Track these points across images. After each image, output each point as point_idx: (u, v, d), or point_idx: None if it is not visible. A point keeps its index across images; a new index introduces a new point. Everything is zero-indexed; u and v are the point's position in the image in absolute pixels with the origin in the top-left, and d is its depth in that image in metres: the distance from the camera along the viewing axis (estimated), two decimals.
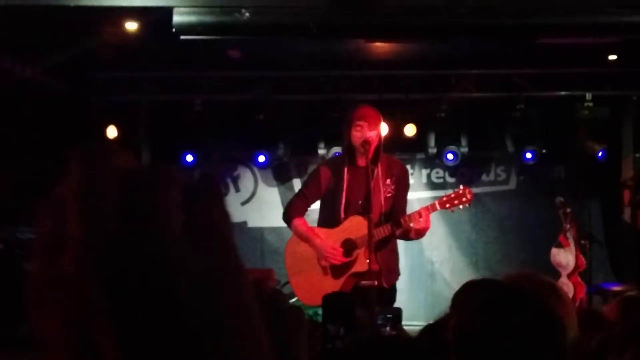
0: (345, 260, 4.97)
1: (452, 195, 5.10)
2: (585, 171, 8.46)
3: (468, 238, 8.64)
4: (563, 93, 7.87)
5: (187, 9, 5.11)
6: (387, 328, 3.55)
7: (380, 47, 6.96)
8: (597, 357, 1.91)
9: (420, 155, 8.54)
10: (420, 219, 4.85)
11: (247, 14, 5.09)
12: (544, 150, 8.25)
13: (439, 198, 5.19)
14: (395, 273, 5.15)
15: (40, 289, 0.52)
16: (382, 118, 5.06)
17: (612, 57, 7.30)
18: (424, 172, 8.65)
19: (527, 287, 1.66)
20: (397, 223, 4.89)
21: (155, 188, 0.52)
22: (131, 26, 5.85)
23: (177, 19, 5.11)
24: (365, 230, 4.78)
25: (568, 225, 6.80)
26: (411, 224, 4.85)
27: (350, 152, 5.02)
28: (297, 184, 8.18)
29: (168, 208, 0.51)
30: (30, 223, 6.31)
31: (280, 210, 5.53)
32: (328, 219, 5.10)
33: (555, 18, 5.53)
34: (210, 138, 8.28)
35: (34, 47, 6.42)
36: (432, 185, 8.62)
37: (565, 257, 6.75)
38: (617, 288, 6.83)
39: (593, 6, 5.35)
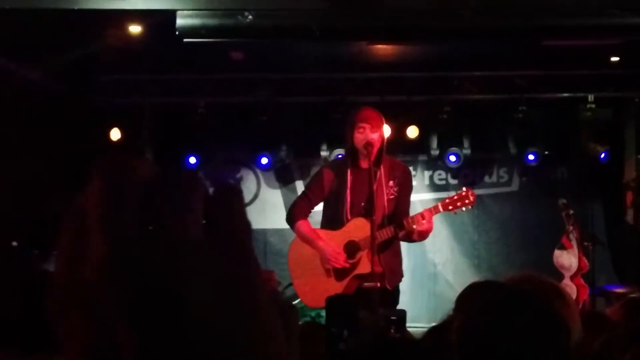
0: (348, 264, 4.98)
1: (455, 197, 5.11)
2: (587, 173, 8.45)
3: (470, 240, 8.64)
4: (565, 95, 7.88)
5: (190, 12, 5.12)
6: (392, 330, 3.56)
7: (382, 49, 6.97)
8: (600, 359, 1.91)
9: (422, 157, 8.54)
10: (423, 221, 4.85)
11: (250, 17, 5.10)
12: (546, 152, 8.25)
13: (442, 200, 5.20)
14: (399, 275, 5.15)
15: (63, 295, 0.53)
16: (384, 120, 5.06)
17: (615, 58, 7.30)
18: (427, 173, 8.66)
19: (531, 289, 1.66)
20: (400, 225, 4.90)
21: (176, 195, 0.53)
22: (135, 29, 5.86)
23: (180, 22, 5.13)
24: (368, 232, 4.79)
25: (571, 227, 6.81)
26: (414, 226, 4.85)
27: (353, 154, 5.03)
28: (299, 186, 8.18)
29: (189, 215, 0.52)
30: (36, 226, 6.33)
31: (283, 212, 5.54)
32: (331, 221, 5.11)
33: (558, 20, 5.54)
34: (213, 140, 8.29)
35: (38, 50, 6.44)
36: (434, 187, 8.62)
37: (568, 258, 6.76)
38: (620, 290, 6.82)
39: (595, 8, 5.36)
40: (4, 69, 6.44)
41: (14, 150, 6.34)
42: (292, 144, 8.35)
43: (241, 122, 8.17)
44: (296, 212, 5.17)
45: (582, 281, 6.82)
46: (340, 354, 2.32)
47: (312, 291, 5.03)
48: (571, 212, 6.90)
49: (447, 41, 6.37)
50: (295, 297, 5.34)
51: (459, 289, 7.65)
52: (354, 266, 5.00)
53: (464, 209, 5.12)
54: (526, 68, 7.73)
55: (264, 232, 8.44)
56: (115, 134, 7.94)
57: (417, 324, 6.41)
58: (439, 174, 8.65)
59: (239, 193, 0.56)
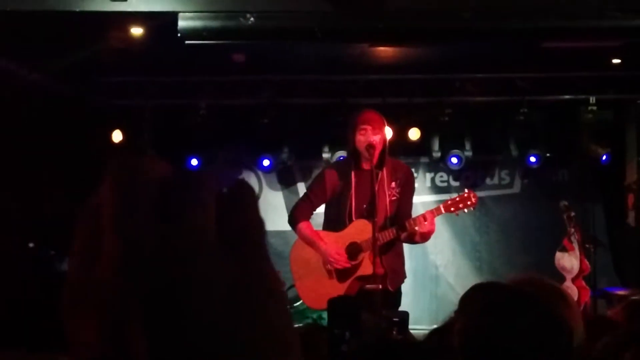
0: (350, 265, 4.98)
1: (457, 199, 5.12)
2: (589, 175, 8.45)
3: (472, 242, 8.64)
4: (567, 97, 7.88)
5: (192, 14, 5.12)
6: (394, 332, 3.56)
7: (384, 51, 6.97)
8: None
9: (424, 159, 8.55)
10: (425, 223, 4.86)
11: (252, 19, 5.10)
12: (547, 154, 8.25)
13: (444, 201, 5.21)
14: (401, 276, 5.16)
15: (76, 294, 0.53)
16: (386, 122, 5.07)
17: (616, 60, 7.30)
18: (428, 176, 8.66)
19: (533, 291, 1.67)
20: (402, 226, 4.90)
21: (188, 194, 0.53)
22: (136, 31, 5.87)
23: (182, 24, 5.13)
24: (370, 234, 4.79)
25: (572, 229, 6.81)
26: (416, 228, 4.86)
27: (355, 157, 5.04)
28: (301, 188, 8.18)
29: (201, 214, 0.52)
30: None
31: (284, 214, 5.55)
32: (334, 223, 5.12)
33: (559, 22, 5.54)
34: (214, 142, 8.30)
35: (40, 52, 6.45)
36: (436, 189, 8.62)
37: (569, 261, 6.75)
38: (621, 292, 6.82)
39: (597, 10, 5.36)
40: (5, 70, 6.45)
41: (16, 151, 6.35)
42: (294, 146, 8.35)
43: (243, 124, 8.18)
44: (298, 214, 5.18)
45: (583, 283, 6.82)
46: (343, 355, 2.32)
47: (314, 292, 5.03)
48: (572, 214, 6.90)
49: (449, 43, 6.37)
50: (297, 298, 5.35)
51: (460, 291, 7.63)
52: (355, 268, 5.01)
53: (465, 210, 5.13)
54: (527, 70, 7.73)
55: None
56: (117, 136, 7.95)
57: (418, 326, 6.40)
58: (441, 176, 8.65)
59: (251, 191, 0.57)
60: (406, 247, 5.28)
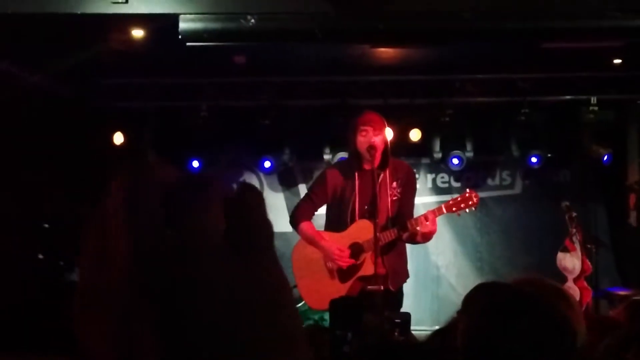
0: (352, 262, 4.99)
1: (459, 199, 5.12)
2: (590, 175, 8.45)
3: (473, 242, 8.63)
4: (568, 97, 7.87)
5: (193, 16, 5.13)
6: (396, 333, 3.56)
7: (385, 52, 6.97)
8: None
9: (425, 160, 8.54)
10: (427, 223, 4.86)
11: (253, 20, 5.11)
12: (549, 155, 8.24)
13: (446, 201, 5.21)
14: (403, 275, 5.16)
15: (87, 298, 0.53)
16: (386, 123, 5.08)
17: (617, 60, 7.30)
18: (429, 176, 8.65)
19: (536, 291, 1.67)
20: (404, 227, 4.91)
21: (196, 200, 0.53)
22: (137, 33, 5.87)
23: (183, 25, 5.13)
24: (371, 234, 4.80)
25: (574, 230, 6.80)
26: (418, 228, 4.86)
27: (356, 158, 5.04)
28: (302, 189, 8.18)
29: (210, 219, 0.53)
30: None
31: (285, 216, 5.55)
32: (335, 223, 5.12)
33: (560, 22, 5.53)
34: (215, 144, 8.30)
35: (41, 54, 6.45)
36: (437, 190, 8.61)
37: (571, 261, 6.75)
38: (623, 292, 6.82)
39: (598, 10, 5.35)
40: (7, 72, 6.45)
41: (17, 154, 6.35)
42: (295, 147, 8.35)
43: (244, 125, 8.18)
44: (300, 214, 5.19)
45: (585, 284, 6.81)
46: (345, 357, 2.31)
47: (315, 293, 5.04)
48: (574, 214, 6.89)
49: (449, 44, 6.37)
50: (300, 299, 5.35)
51: (462, 291, 7.65)
52: (357, 268, 5.01)
53: (467, 210, 5.13)
54: (529, 70, 7.72)
55: None
56: (118, 138, 7.95)
57: (420, 327, 6.40)
58: (442, 177, 8.65)
59: (258, 194, 0.57)
60: (408, 248, 5.28)
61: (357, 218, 5.03)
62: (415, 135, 8.04)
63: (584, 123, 7.92)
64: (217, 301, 0.52)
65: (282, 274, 0.57)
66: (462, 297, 1.82)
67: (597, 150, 8.13)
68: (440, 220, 5.09)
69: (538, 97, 7.85)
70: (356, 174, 5.03)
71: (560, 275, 6.68)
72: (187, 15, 5.14)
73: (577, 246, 6.79)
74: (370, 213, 4.90)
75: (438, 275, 8.55)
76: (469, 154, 8.20)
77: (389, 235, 4.93)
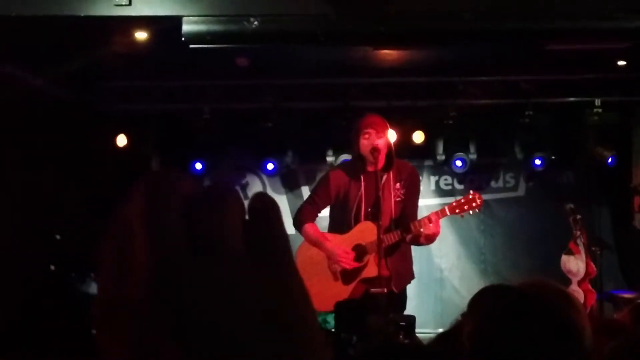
0: (357, 264, 4.99)
1: (462, 201, 5.11)
2: (594, 177, 8.44)
3: (477, 245, 8.62)
4: (572, 99, 7.86)
5: (196, 18, 5.12)
6: (400, 336, 3.55)
7: (387, 54, 6.96)
8: None
9: (428, 162, 8.53)
10: (430, 225, 4.86)
11: (256, 23, 5.10)
12: (553, 157, 8.23)
13: (449, 203, 5.20)
14: (406, 277, 5.15)
15: (107, 310, 0.53)
16: (389, 125, 5.08)
17: (621, 62, 7.28)
18: (433, 179, 8.64)
19: (542, 294, 1.65)
20: (407, 228, 4.90)
21: (217, 211, 0.53)
22: (140, 35, 5.87)
23: (186, 28, 5.13)
24: (375, 236, 4.79)
25: (578, 232, 6.78)
26: (421, 229, 4.86)
27: (360, 160, 5.04)
28: (305, 192, 8.18)
29: (230, 230, 0.52)
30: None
31: (289, 218, 5.54)
32: (338, 225, 5.12)
33: (564, 24, 5.52)
34: (218, 146, 8.30)
35: (44, 56, 6.45)
36: (440, 192, 8.61)
37: (575, 264, 6.73)
38: (628, 295, 6.80)
39: (602, 11, 5.34)
40: (9, 75, 6.46)
41: (20, 157, 6.35)
42: (298, 150, 8.36)
43: (246, 127, 8.18)
44: (303, 216, 5.19)
45: (589, 286, 6.79)
46: (349, 359, 2.30)
47: (319, 294, 5.02)
48: (578, 217, 6.87)
49: (452, 45, 6.36)
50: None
51: (465, 294, 7.65)
52: (361, 270, 5.01)
53: (470, 212, 5.12)
54: (532, 72, 7.71)
55: None
56: (121, 141, 7.95)
57: (423, 330, 6.38)
58: (445, 179, 8.64)
59: (275, 206, 0.57)
60: (412, 249, 5.27)
61: (361, 220, 5.02)
62: (418, 137, 8.04)
63: (588, 125, 7.91)
64: (239, 312, 0.51)
65: (303, 285, 0.57)
66: (465, 300, 1.81)
67: (602, 152, 8.12)
68: (443, 223, 5.09)
69: (542, 99, 7.84)
70: (360, 176, 5.04)
71: (564, 278, 6.66)
72: (190, 18, 5.13)
73: (582, 249, 6.77)
74: (374, 215, 4.90)
75: (441, 278, 8.54)
76: (473, 156, 8.19)
77: (392, 237, 4.92)
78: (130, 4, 5.06)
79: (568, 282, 6.69)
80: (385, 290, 4.76)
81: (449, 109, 7.83)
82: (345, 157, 7.45)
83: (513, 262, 8.46)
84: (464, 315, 1.85)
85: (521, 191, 8.69)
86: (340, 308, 2.52)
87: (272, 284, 0.54)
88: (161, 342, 0.50)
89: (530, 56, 7.13)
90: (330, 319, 4.19)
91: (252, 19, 5.12)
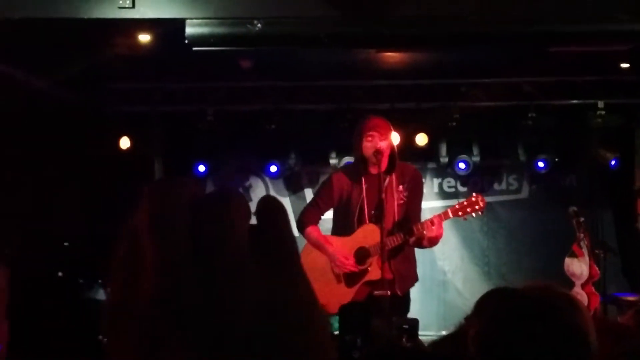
0: (357, 269, 4.99)
1: (465, 203, 5.11)
2: (598, 180, 8.42)
3: (480, 247, 8.61)
4: (575, 101, 7.85)
5: (200, 21, 5.12)
6: (404, 339, 3.55)
7: (391, 56, 6.96)
8: None
9: (431, 165, 8.53)
10: (433, 227, 4.86)
11: (259, 25, 5.10)
12: (556, 159, 8.22)
13: (452, 206, 5.20)
14: (410, 280, 5.15)
15: (117, 314, 0.53)
16: (392, 128, 5.07)
17: (625, 65, 7.28)
18: (436, 181, 8.64)
19: (548, 298, 1.65)
20: (410, 231, 4.90)
21: (221, 215, 0.53)
22: (144, 38, 5.88)
23: (189, 30, 5.13)
24: (378, 239, 4.79)
25: (581, 235, 6.77)
26: (424, 232, 4.85)
27: (363, 163, 5.04)
28: (308, 194, 8.18)
29: (235, 234, 0.52)
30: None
31: (292, 220, 5.54)
32: (342, 227, 5.12)
33: (567, 26, 5.52)
34: (222, 148, 8.31)
35: (48, 59, 6.46)
36: (443, 194, 8.60)
37: (579, 266, 6.72)
38: (631, 297, 6.79)
39: (606, 14, 5.34)
40: (13, 77, 6.46)
41: (22, 159, 6.36)
42: (301, 152, 8.36)
43: (250, 130, 8.18)
44: (306, 219, 5.19)
45: (593, 289, 6.78)
46: None
47: (322, 297, 4.96)
48: (582, 219, 6.86)
49: (455, 48, 6.36)
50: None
51: (468, 296, 7.63)
52: (364, 272, 5.01)
53: (473, 214, 5.12)
54: (535, 74, 7.71)
55: None
56: (124, 142, 7.96)
57: (427, 332, 6.38)
58: (448, 182, 8.63)
59: (283, 208, 0.57)
60: (416, 252, 5.26)
61: (364, 222, 5.02)
62: (421, 139, 8.03)
63: (592, 127, 7.90)
64: (245, 314, 0.51)
65: (310, 286, 0.57)
66: (469, 302, 1.82)
67: (605, 155, 8.11)
68: (446, 225, 5.08)
69: (545, 102, 7.83)
70: (363, 178, 5.03)
71: (567, 281, 6.65)
72: (194, 20, 5.14)
73: (585, 251, 6.76)
74: (377, 217, 4.89)
75: (444, 280, 8.54)
76: (476, 159, 8.19)
77: (395, 240, 4.92)
78: (133, 6, 5.06)
79: (571, 284, 6.68)
80: (389, 292, 4.76)
81: (452, 111, 7.83)
82: (349, 159, 7.46)
83: (516, 265, 8.46)
84: (468, 318, 1.85)
85: (524, 193, 8.68)
86: (344, 311, 2.52)
87: (279, 286, 0.54)
88: (169, 344, 0.51)
89: (533, 58, 7.13)
90: (334, 322, 4.20)
91: (255, 22, 5.12)
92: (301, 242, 5.29)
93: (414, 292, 5.33)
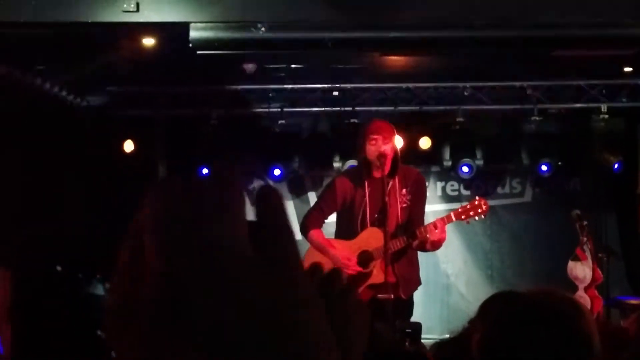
0: (360, 269, 4.99)
1: (468, 207, 5.11)
2: (601, 183, 8.43)
3: (483, 251, 8.61)
4: (578, 105, 7.85)
5: (204, 25, 5.13)
6: (407, 343, 3.55)
7: (394, 60, 6.97)
8: None
9: (435, 168, 8.54)
10: (436, 230, 4.85)
11: (263, 29, 5.11)
12: (559, 163, 8.23)
13: (455, 209, 5.20)
14: (413, 283, 5.14)
15: (120, 315, 0.53)
16: (395, 131, 5.08)
17: (628, 68, 7.28)
18: (439, 185, 8.64)
19: (552, 302, 1.66)
20: (412, 234, 4.90)
21: (225, 215, 0.54)
22: (148, 41, 5.89)
23: (193, 34, 5.14)
24: (381, 242, 4.79)
25: (585, 238, 6.76)
26: (427, 236, 4.85)
27: (366, 166, 5.04)
28: (312, 197, 8.18)
29: (238, 234, 0.53)
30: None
31: (295, 224, 5.55)
32: (345, 231, 5.12)
33: (570, 30, 5.52)
34: (225, 152, 8.31)
35: (52, 62, 6.48)
36: (447, 198, 8.60)
37: (582, 270, 6.71)
38: (634, 301, 6.78)
39: (608, 18, 5.34)
40: (17, 80, 6.48)
41: (26, 162, 6.37)
42: (305, 155, 8.36)
43: (254, 133, 8.19)
44: (309, 223, 5.19)
45: (596, 293, 6.77)
46: None
47: None
48: (585, 223, 6.86)
49: (459, 52, 6.37)
50: None
51: (471, 299, 7.60)
52: (367, 276, 5.00)
53: (476, 218, 5.12)
54: (539, 78, 7.71)
55: None
56: (128, 146, 7.97)
57: (430, 336, 6.38)
58: (452, 185, 8.64)
59: (280, 197, 0.58)
60: (419, 255, 5.27)
61: (367, 226, 5.02)
62: (425, 143, 8.04)
63: (595, 131, 7.91)
64: (246, 312, 0.52)
65: (306, 278, 0.57)
66: (472, 306, 1.82)
67: (608, 159, 8.11)
68: (450, 228, 5.09)
69: (548, 105, 7.84)
70: (366, 181, 5.03)
71: (570, 284, 6.65)
72: (198, 24, 5.15)
73: (588, 255, 6.76)
74: (380, 221, 4.90)
75: (448, 284, 8.53)
76: (479, 162, 8.19)
77: (398, 243, 4.92)
78: (138, 10, 5.07)
79: (575, 288, 6.68)
80: (392, 296, 4.76)
81: (456, 115, 7.83)
82: (352, 163, 7.46)
83: (519, 268, 8.46)
84: (471, 321, 1.86)
85: (528, 197, 8.68)
86: None
87: (279, 279, 0.54)
88: (173, 344, 0.51)
89: (537, 62, 7.13)
90: None
91: (259, 26, 5.13)
92: (304, 246, 5.29)
93: (417, 295, 5.33)
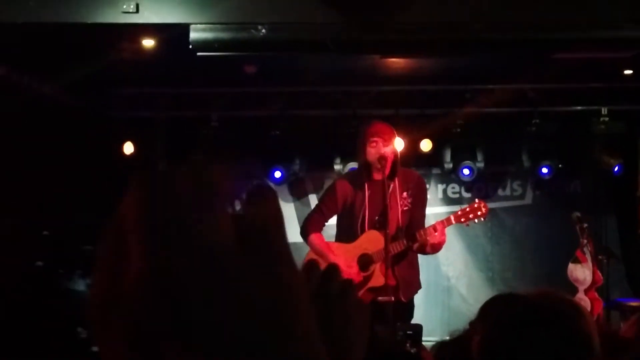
0: (360, 278, 4.97)
1: (468, 209, 5.10)
2: (601, 186, 8.42)
3: (484, 253, 8.61)
4: (579, 108, 7.86)
5: (204, 26, 5.13)
6: (407, 345, 3.54)
7: (395, 62, 6.97)
8: None
9: (436, 171, 8.53)
10: (436, 233, 4.85)
11: (264, 31, 5.11)
12: (560, 165, 8.23)
13: (455, 212, 5.20)
14: (414, 286, 5.14)
15: (102, 309, 0.53)
16: (396, 133, 5.07)
17: (628, 71, 7.28)
18: (440, 187, 8.64)
19: (553, 304, 1.65)
20: (412, 237, 4.89)
21: (209, 207, 0.53)
22: (148, 43, 5.89)
23: (193, 35, 5.13)
24: (381, 245, 4.79)
25: (585, 241, 6.76)
26: (427, 238, 4.85)
27: (366, 168, 5.04)
28: (313, 200, 8.18)
29: (222, 227, 0.52)
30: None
31: (296, 226, 5.54)
32: (345, 234, 5.11)
33: (570, 33, 5.52)
34: (226, 154, 8.30)
35: (52, 63, 6.47)
36: (448, 200, 8.60)
37: (582, 272, 6.71)
38: (634, 303, 6.78)
39: (609, 21, 5.34)
40: (17, 81, 6.48)
41: (24, 161, 6.37)
42: (305, 158, 8.36)
43: (254, 135, 8.18)
44: (309, 226, 5.18)
45: (596, 295, 6.77)
46: None
47: None
48: (585, 225, 6.85)
49: (460, 54, 6.37)
50: None
51: (472, 302, 7.61)
52: (367, 279, 5.00)
53: (476, 220, 5.11)
54: (539, 81, 7.71)
55: None
56: (128, 148, 7.96)
57: (431, 338, 6.37)
58: (453, 188, 8.63)
59: (273, 193, 0.57)
60: (420, 258, 5.26)
61: (367, 229, 5.01)
62: (425, 145, 8.04)
63: (595, 134, 7.90)
64: (237, 307, 0.51)
65: (296, 271, 0.57)
66: (473, 308, 1.82)
67: (608, 161, 8.10)
68: (451, 231, 5.08)
69: (549, 108, 7.84)
70: (366, 184, 5.03)
71: (571, 286, 6.64)
72: (198, 25, 5.15)
73: (588, 257, 6.75)
74: (381, 223, 4.89)
75: (449, 286, 8.53)
76: (480, 165, 8.19)
77: (398, 246, 4.91)
78: (137, 11, 5.07)
79: (575, 290, 6.67)
80: (393, 299, 4.75)
81: (457, 117, 7.83)
82: (353, 165, 7.45)
83: (520, 270, 8.45)
84: (472, 323, 1.85)
85: (528, 199, 8.68)
86: None
87: (267, 274, 0.54)
88: (159, 340, 0.51)
89: (537, 65, 7.13)
90: None
91: (259, 27, 5.13)
92: (306, 249, 5.28)
93: (418, 297, 5.33)
